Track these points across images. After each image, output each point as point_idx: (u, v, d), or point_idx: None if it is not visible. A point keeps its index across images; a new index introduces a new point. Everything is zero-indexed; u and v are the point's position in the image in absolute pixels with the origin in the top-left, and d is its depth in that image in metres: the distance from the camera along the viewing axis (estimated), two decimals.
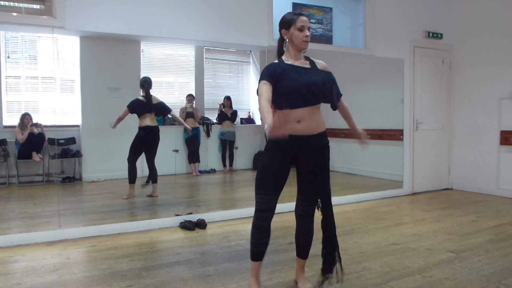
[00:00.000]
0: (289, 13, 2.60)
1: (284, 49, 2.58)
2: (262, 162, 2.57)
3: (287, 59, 2.56)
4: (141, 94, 5.05)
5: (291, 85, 2.45)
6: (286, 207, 3.88)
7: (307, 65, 2.57)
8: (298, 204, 2.67)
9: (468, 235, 4.00)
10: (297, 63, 2.55)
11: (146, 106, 5.02)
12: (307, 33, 2.51)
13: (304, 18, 2.53)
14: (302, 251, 2.74)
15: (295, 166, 2.60)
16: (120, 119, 4.94)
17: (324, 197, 2.63)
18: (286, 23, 2.54)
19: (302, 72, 2.52)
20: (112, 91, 5.19)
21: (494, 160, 5.95)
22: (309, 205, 2.63)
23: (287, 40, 2.55)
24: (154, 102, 5.11)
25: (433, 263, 3.20)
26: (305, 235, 2.70)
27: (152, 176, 5.09)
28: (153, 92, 5.09)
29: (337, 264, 2.68)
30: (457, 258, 3.32)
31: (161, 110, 5.24)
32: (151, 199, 5.12)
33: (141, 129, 5.02)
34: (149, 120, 5.04)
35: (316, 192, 2.60)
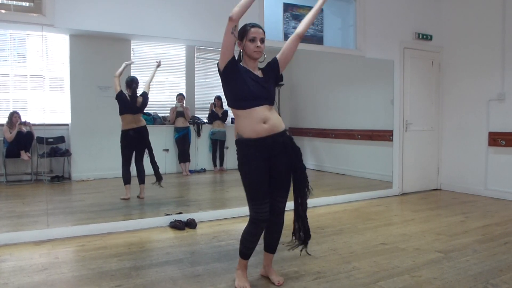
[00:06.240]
0: (244, 24, 2.65)
1: (242, 59, 2.67)
2: (247, 175, 2.62)
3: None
4: (127, 93, 4.96)
5: (245, 85, 2.55)
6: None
7: (261, 75, 2.67)
8: (273, 201, 2.69)
9: (457, 235, 4.04)
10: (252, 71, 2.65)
11: (129, 105, 4.92)
12: (258, 44, 2.58)
13: (257, 29, 2.60)
14: (273, 246, 2.83)
15: (271, 166, 2.64)
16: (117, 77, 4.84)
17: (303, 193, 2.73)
18: (240, 35, 2.62)
19: (254, 77, 2.61)
20: (102, 90, 5.15)
21: (482, 161, 6.01)
22: (285, 201, 2.73)
23: (241, 50, 2.64)
24: (138, 104, 4.98)
25: (422, 263, 3.23)
26: (277, 231, 2.79)
27: (140, 177, 5.03)
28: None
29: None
30: (445, 258, 3.35)
31: (145, 105, 5.12)
32: (140, 198, 5.10)
33: (124, 132, 4.91)
34: (132, 122, 4.93)
35: (298, 187, 2.70)
